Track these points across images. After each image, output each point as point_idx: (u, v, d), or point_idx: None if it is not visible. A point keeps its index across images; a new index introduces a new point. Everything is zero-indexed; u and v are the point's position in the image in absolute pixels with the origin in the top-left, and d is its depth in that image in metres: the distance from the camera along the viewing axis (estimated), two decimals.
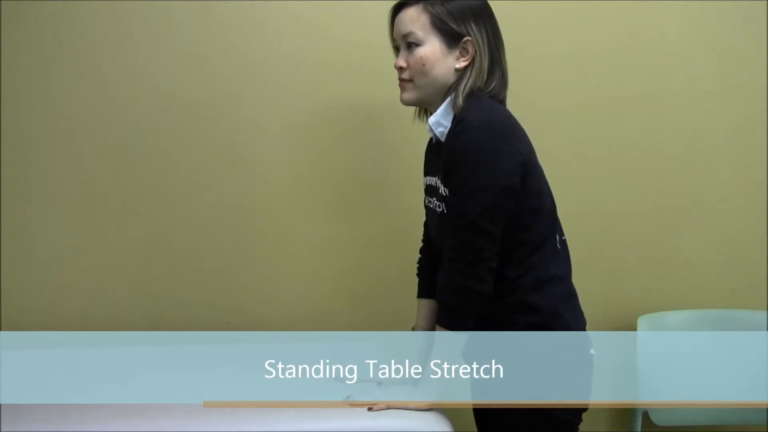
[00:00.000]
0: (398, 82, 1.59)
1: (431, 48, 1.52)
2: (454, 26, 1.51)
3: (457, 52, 1.53)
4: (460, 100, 1.50)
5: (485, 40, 1.53)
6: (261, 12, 2.07)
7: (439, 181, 1.55)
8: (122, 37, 2.02)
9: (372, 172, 2.15)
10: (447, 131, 1.52)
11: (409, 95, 1.58)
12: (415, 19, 1.53)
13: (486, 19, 1.54)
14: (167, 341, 2.03)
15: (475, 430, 1.69)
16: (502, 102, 1.59)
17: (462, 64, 1.53)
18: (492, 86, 1.54)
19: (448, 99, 1.53)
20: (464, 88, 1.51)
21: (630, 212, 2.26)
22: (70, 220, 2.04)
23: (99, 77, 2.02)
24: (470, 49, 1.52)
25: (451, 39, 1.52)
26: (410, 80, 1.56)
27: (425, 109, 1.65)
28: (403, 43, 1.55)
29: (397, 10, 1.57)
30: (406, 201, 2.07)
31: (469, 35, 1.52)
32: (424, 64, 1.52)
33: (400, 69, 1.57)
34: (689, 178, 2.28)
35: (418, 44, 1.53)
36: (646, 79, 2.24)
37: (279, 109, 2.09)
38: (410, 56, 1.54)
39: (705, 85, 2.26)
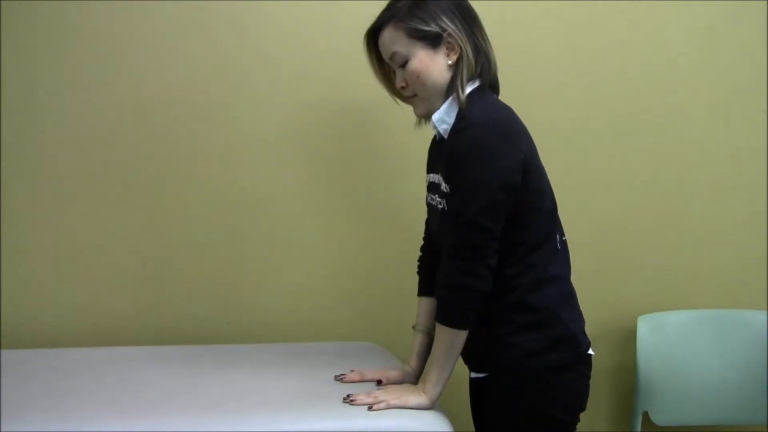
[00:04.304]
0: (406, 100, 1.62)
1: (418, 58, 1.53)
2: (429, 29, 1.52)
3: (443, 50, 1.54)
4: (462, 94, 1.52)
5: (462, 29, 1.53)
6: (262, 10, 2.07)
7: (441, 178, 1.55)
8: (121, 39, 2.02)
9: (372, 170, 2.15)
10: (450, 128, 1.53)
11: (420, 109, 1.60)
12: (393, 39, 1.54)
13: (455, 9, 1.54)
14: (167, 341, 2.03)
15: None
16: (495, 84, 1.61)
17: (453, 58, 1.54)
18: (480, 70, 1.55)
19: (451, 96, 1.54)
20: (461, 81, 1.53)
21: (630, 213, 2.26)
22: (70, 221, 2.03)
23: (98, 79, 2.02)
24: (454, 42, 1.53)
25: (432, 41, 1.53)
26: (415, 95, 1.58)
27: None
28: (394, 64, 1.57)
29: (373, 37, 1.60)
30: (407, 200, 2.08)
31: (446, 30, 1.52)
32: (418, 76, 1.54)
33: (402, 89, 1.59)
34: (689, 179, 2.28)
35: (406, 60, 1.54)
36: (646, 80, 2.24)
37: (279, 107, 2.09)
38: (405, 74, 1.56)
39: (705, 86, 2.27)
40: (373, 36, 1.60)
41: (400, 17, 1.53)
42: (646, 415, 2.18)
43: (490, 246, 1.46)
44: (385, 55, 1.58)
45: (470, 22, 1.56)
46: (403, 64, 1.55)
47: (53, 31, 2.00)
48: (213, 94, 2.07)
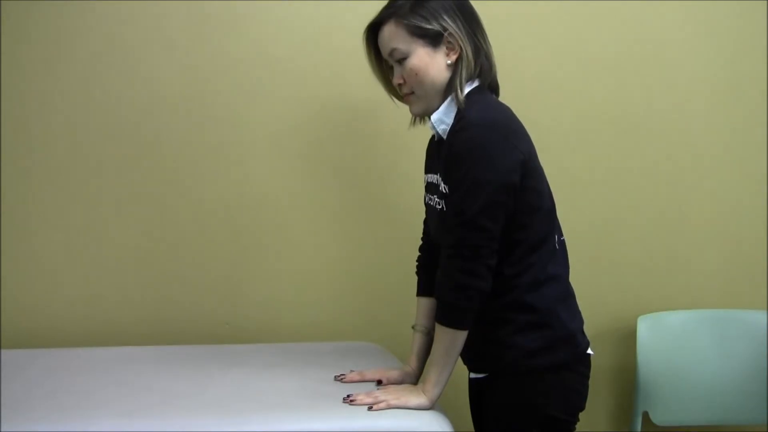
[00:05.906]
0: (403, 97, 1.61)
1: (418, 56, 1.53)
2: (429, 27, 1.52)
3: (443, 49, 1.54)
4: (461, 94, 1.52)
5: (462, 29, 1.53)
6: (258, 10, 2.07)
7: (439, 179, 1.55)
8: (117, 39, 2.02)
9: (372, 170, 2.15)
10: (449, 128, 1.53)
11: (417, 107, 1.60)
12: (393, 36, 1.54)
13: (457, 9, 1.54)
14: (167, 341, 2.03)
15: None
16: (495, 85, 1.61)
17: (453, 57, 1.54)
18: (479, 71, 1.55)
19: (450, 97, 1.54)
20: (460, 81, 1.53)
21: (630, 213, 2.26)
22: (70, 221, 2.04)
23: (96, 79, 2.02)
24: (454, 42, 1.53)
25: (433, 39, 1.53)
26: (412, 92, 1.57)
27: None
28: (393, 61, 1.57)
29: (373, 33, 1.59)
30: (406, 200, 2.08)
31: (447, 29, 1.52)
32: (417, 74, 1.54)
33: (399, 86, 1.59)
34: (689, 179, 2.28)
35: (405, 57, 1.54)
36: (645, 80, 2.24)
37: (278, 109, 2.09)
38: (403, 71, 1.55)
39: (704, 85, 2.27)
40: (372, 32, 1.60)
41: (401, 14, 1.53)
42: (646, 415, 2.18)
43: (490, 246, 1.46)
44: (384, 52, 1.58)
45: (471, 23, 1.56)
46: (402, 61, 1.55)
47: (53, 31, 2.00)
48: (213, 93, 2.07)
